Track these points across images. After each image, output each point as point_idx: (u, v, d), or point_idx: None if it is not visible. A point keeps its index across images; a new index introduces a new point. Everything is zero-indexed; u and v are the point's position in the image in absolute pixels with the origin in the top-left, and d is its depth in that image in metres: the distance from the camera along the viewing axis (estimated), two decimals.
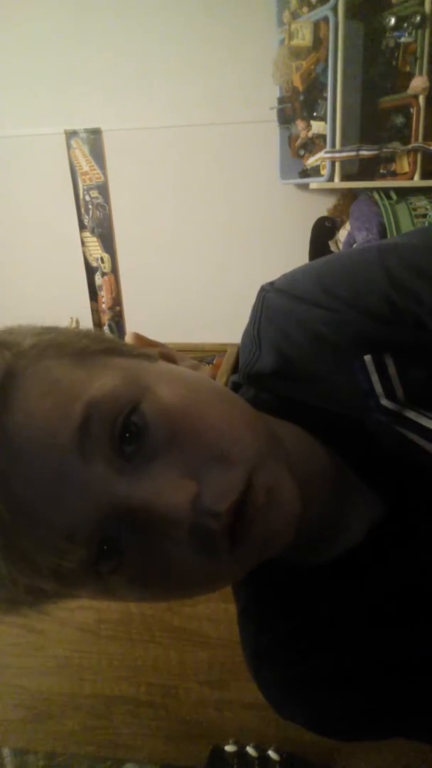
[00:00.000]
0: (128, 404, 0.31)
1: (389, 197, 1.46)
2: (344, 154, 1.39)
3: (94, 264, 1.96)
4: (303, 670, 0.43)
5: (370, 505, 0.42)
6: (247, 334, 0.49)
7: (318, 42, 1.36)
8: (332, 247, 1.66)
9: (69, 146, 1.80)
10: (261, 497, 0.32)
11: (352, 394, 0.42)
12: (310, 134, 1.47)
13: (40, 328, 0.36)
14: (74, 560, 0.31)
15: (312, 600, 0.43)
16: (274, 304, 0.46)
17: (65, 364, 0.33)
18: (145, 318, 2.00)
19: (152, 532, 0.31)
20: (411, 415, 0.41)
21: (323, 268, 0.46)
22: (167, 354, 0.42)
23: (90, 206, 1.87)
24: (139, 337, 0.43)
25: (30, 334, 0.35)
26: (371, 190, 1.50)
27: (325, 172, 1.42)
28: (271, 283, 0.47)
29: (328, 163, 1.40)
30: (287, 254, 1.77)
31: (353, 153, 1.38)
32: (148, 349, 0.41)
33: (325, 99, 1.37)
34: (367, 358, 0.42)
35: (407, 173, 1.39)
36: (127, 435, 0.31)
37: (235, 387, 0.49)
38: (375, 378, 0.42)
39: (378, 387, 0.42)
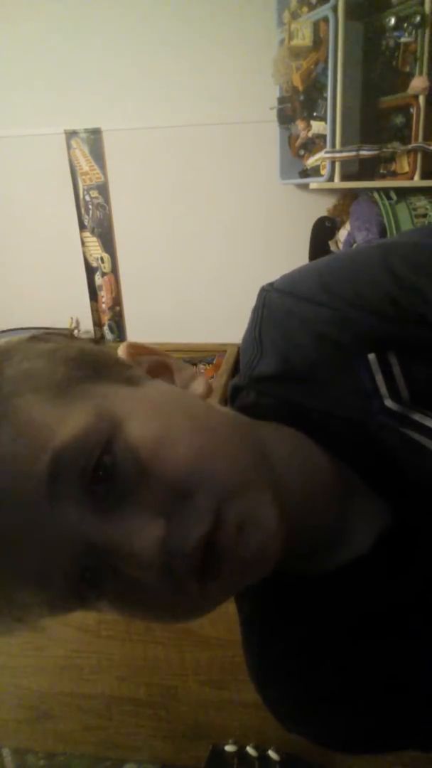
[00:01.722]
0: (98, 446, 0.31)
1: (389, 197, 1.46)
2: (344, 154, 1.38)
3: (94, 264, 1.96)
4: (309, 683, 0.42)
5: (378, 511, 0.41)
6: (247, 336, 0.48)
7: (318, 42, 1.36)
8: (332, 247, 1.66)
9: (69, 146, 1.80)
10: (229, 535, 0.32)
11: (355, 396, 0.41)
12: (310, 134, 1.47)
13: (25, 347, 0.36)
14: (56, 593, 0.32)
15: (317, 610, 0.42)
16: (276, 304, 0.45)
17: (40, 400, 0.33)
18: (145, 318, 2.00)
19: (127, 571, 0.32)
20: (416, 417, 0.41)
21: (324, 268, 0.45)
22: (162, 364, 0.41)
23: (90, 206, 1.87)
24: (131, 347, 0.42)
25: (11, 359, 0.35)
26: (371, 190, 1.50)
27: (325, 172, 1.42)
28: (272, 284, 0.47)
29: (328, 163, 1.40)
30: (287, 254, 1.77)
31: (353, 153, 1.38)
32: (136, 367, 0.40)
33: (325, 99, 1.37)
34: (371, 356, 0.41)
35: (407, 173, 1.39)
36: (100, 474, 0.31)
37: (236, 391, 0.49)
38: (379, 377, 0.41)
39: (382, 387, 0.41)
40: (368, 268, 0.43)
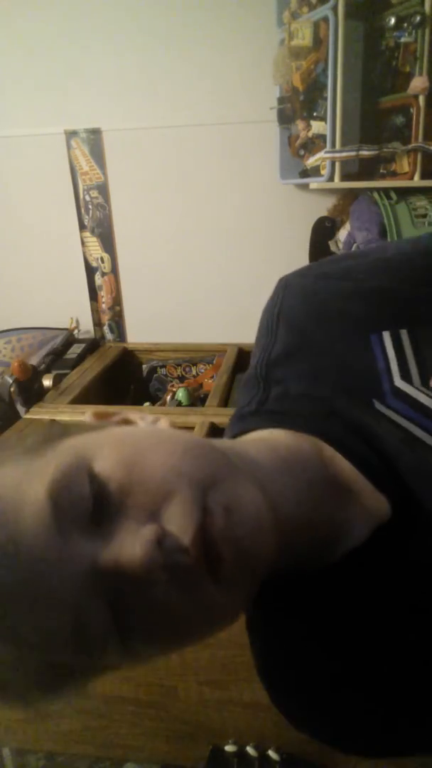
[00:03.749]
0: (85, 476, 0.33)
1: (389, 197, 1.46)
2: (344, 154, 1.39)
3: (94, 264, 1.96)
4: (314, 679, 0.42)
5: (376, 504, 0.41)
6: (263, 326, 0.49)
7: (318, 42, 1.36)
8: (332, 247, 1.66)
9: (69, 146, 1.80)
10: (220, 518, 0.33)
11: (365, 375, 0.42)
12: (310, 134, 1.47)
13: None
14: (90, 627, 0.32)
15: (317, 605, 0.42)
16: (297, 286, 0.47)
17: (21, 464, 0.35)
18: (145, 318, 2.00)
19: (138, 586, 0.32)
20: (424, 399, 0.41)
21: (335, 256, 0.48)
22: (126, 419, 0.44)
23: (90, 206, 1.87)
24: (96, 414, 0.45)
25: None
26: (371, 190, 1.50)
27: (325, 172, 1.42)
28: (290, 274, 0.49)
29: (328, 163, 1.40)
30: (287, 254, 1.77)
31: (353, 153, 1.38)
32: (103, 421, 0.43)
33: (325, 99, 1.37)
34: (386, 333, 0.42)
35: (407, 173, 1.39)
36: (93, 502, 0.33)
37: (245, 388, 0.50)
38: (392, 354, 0.42)
39: (394, 366, 0.42)
40: (383, 251, 0.44)
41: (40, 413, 1.38)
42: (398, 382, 0.42)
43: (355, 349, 0.44)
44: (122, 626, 0.33)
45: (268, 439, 0.44)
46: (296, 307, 0.47)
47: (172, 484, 0.34)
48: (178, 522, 0.33)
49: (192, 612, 0.34)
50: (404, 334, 0.43)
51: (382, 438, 0.41)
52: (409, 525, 0.40)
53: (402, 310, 0.45)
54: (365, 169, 1.47)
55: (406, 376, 0.42)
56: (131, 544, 0.32)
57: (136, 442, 0.37)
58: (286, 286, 0.49)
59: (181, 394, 1.63)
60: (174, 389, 1.71)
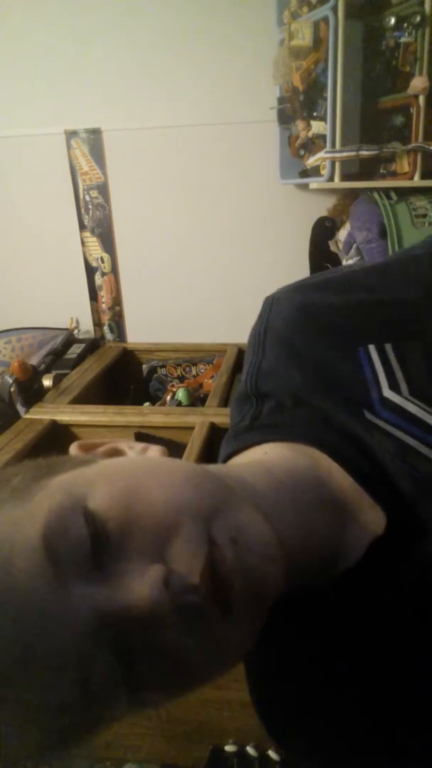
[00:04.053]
0: (79, 516, 0.31)
1: (389, 197, 1.46)
2: (344, 154, 1.38)
3: (94, 264, 1.96)
4: (306, 700, 0.40)
5: (373, 517, 0.40)
6: (252, 341, 0.49)
7: (318, 42, 1.36)
8: (332, 247, 1.66)
9: (69, 146, 1.80)
10: (227, 549, 0.32)
11: (354, 386, 0.42)
12: (310, 134, 1.47)
13: None
14: (97, 683, 0.30)
15: (317, 626, 0.40)
16: (284, 302, 0.47)
17: (7, 510, 0.33)
18: (145, 318, 2.00)
19: (146, 629, 0.30)
20: (413, 409, 0.41)
21: (325, 273, 0.49)
22: (114, 449, 0.43)
23: (90, 206, 1.87)
24: (81, 446, 0.43)
25: None
26: (371, 190, 1.50)
27: (325, 172, 1.42)
28: (275, 291, 0.49)
29: (328, 163, 1.40)
30: (287, 254, 1.77)
31: (353, 153, 1.38)
32: (90, 455, 0.41)
33: (325, 99, 1.37)
34: (371, 347, 0.42)
35: (407, 173, 1.39)
36: (91, 544, 0.31)
37: (237, 405, 0.49)
38: (379, 366, 0.42)
39: (382, 377, 0.42)
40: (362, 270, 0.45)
41: (40, 413, 1.38)
42: (387, 392, 0.42)
43: (343, 361, 0.44)
44: (131, 678, 0.31)
45: (263, 461, 0.43)
46: (283, 322, 0.47)
47: (174, 518, 0.32)
48: (185, 560, 0.31)
49: (205, 653, 0.32)
50: (389, 348, 0.43)
51: (375, 447, 0.40)
52: (405, 537, 0.38)
53: (387, 325, 0.45)
54: (365, 169, 1.47)
55: (394, 386, 0.42)
56: (137, 587, 0.30)
57: (131, 476, 0.36)
58: (272, 303, 0.49)
59: (181, 394, 1.63)
60: (174, 389, 1.71)
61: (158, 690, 0.33)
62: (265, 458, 0.44)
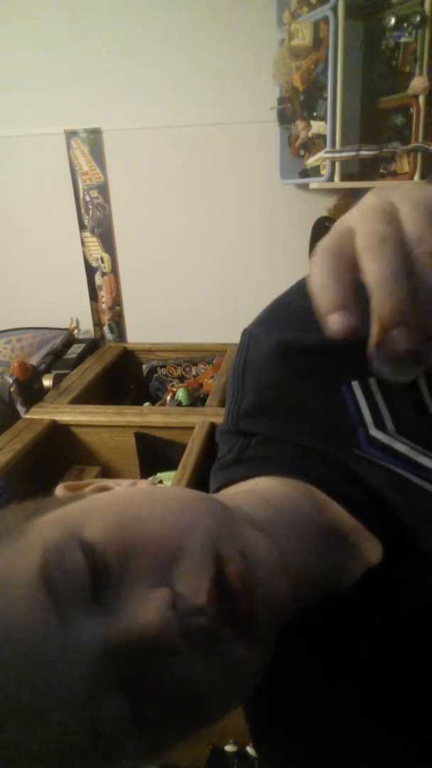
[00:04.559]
0: (75, 548, 0.30)
1: None
2: (344, 154, 1.38)
3: (94, 264, 1.96)
4: (299, 736, 0.39)
5: (370, 547, 0.39)
6: (231, 379, 0.48)
7: (318, 42, 1.36)
8: None
9: (69, 146, 1.80)
10: (238, 563, 0.31)
11: (341, 426, 0.41)
12: (310, 134, 1.47)
13: None
14: (106, 724, 0.28)
15: (304, 656, 0.39)
16: (261, 339, 0.45)
17: (3, 546, 0.32)
18: (145, 318, 2.00)
19: (155, 659, 0.29)
20: (401, 448, 0.40)
21: (296, 303, 0.45)
22: (101, 487, 0.42)
23: (90, 206, 1.87)
24: (68, 487, 0.43)
25: None
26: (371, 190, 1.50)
27: (325, 172, 1.42)
28: (254, 323, 0.47)
29: (328, 163, 1.40)
30: (287, 254, 1.77)
31: (353, 153, 1.38)
32: (77, 494, 0.40)
33: (325, 99, 1.37)
34: (355, 383, 0.41)
35: (407, 173, 1.39)
36: (91, 575, 0.30)
37: (223, 438, 0.48)
38: (363, 404, 0.41)
39: (367, 415, 0.41)
40: None
41: (40, 413, 1.38)
42: (373, 431, 0.40)
43: (326, 402, 0.42)
44: (143, 718, 0.29)
45: (255, 490, 0.42)
46: (261, 363, 0.45)
47: (176, 541, 0.31)
48: (191, 580, 0.30)
49: (219, 681, 0.30)
50: (373, 381, 0.41)
51: (369, 477, 0.39)
52: (402, 566, 0.37)
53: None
54: (365, 169, 1.47)
55: (380, 425, 0.40)
56: (142, 613, 0.28)
57: (126, 504, 0.34)
58: (249, 339, 0.47)
59: (181, 394, 1.63)
60: (174, 389, 1.71)
61: (172, 729, 0.31)
62: (257, 488, 0.42)
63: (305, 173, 1.58)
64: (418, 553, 0.36)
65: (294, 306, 0.47)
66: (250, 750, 1.34)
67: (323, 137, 1.41)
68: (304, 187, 1.66)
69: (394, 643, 0.36)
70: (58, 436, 1.36)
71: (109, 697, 0.28)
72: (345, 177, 1.44)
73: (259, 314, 0.49)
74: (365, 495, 0.39)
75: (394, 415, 0.41)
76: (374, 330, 0.27)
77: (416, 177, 1.38)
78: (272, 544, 0.34)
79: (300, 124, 1.49)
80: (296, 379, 0.43)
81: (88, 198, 1.86)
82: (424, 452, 0.40)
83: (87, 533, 0.31)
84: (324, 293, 0.27)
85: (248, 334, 0.48)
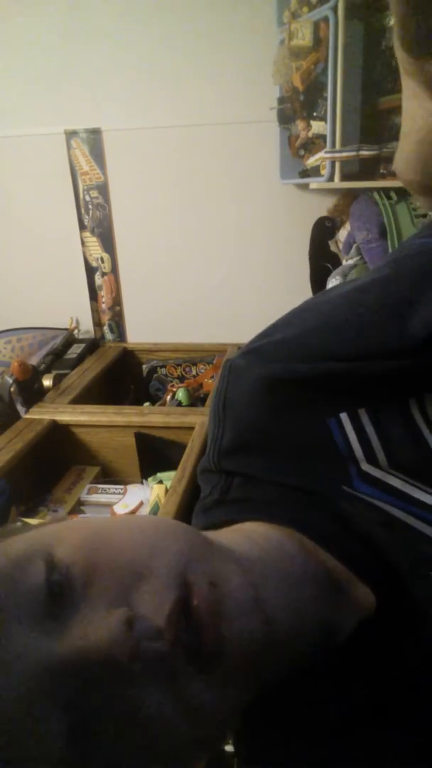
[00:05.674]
0: (37, 563, 0.29)
1: (389, 197, 1.46)
2: (344, 154, 1.38)
3: (94, 264, 1.96)
4: None
5: (363, 596, 0.36)
6: (212, 413, 0.45)
7: (318, 42, 1.36)
8: (332, 247, 1.66)
9: (69, 146, 1.80)
10: (204, 590, 0.29)
11: (328, 462, 0.38)
12: (310, 134, 1.47)
13: None
14: (42, 745, 0.26)
15: (299, 714, 0.36)
16: (243, 371, 0.43)
17: None
18: (145, 318, 2.00)
19: (107, 684, 0.26)
20: (395, 483, 0.37)
21: (290, 329, 0.43)
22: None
23: (90, 206, 1.87)
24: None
25: None
26: (371, 190, 1.50)
27: (325, 172, 1.42)
28: (237, 353, 0.45)
29: (328, 163, 1.40)
30: (287, 254, 1.77)
31: (353, 153, 1.38)
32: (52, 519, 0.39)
33: (325, 99, 1.37)
34: (343, 415, 0.38)
35: None
36: (54, 590, 0.29)
37: (205, 475, 0.45)
38: (353, 437, 0.38)
39: (358, 449, 0.38)
40: (333, 316, 0.40)
41: (40, 413, 1.38)
42: (365, 467, 0.38)
43: (312, 436, 0.39)
44: (83, 742, 0.26)
45: (241, 529, 0.39)
46: (242, 398, 0.43)
47: (144, 561, 0.30)
48: (151, 601, 0.28)
49: (176, 722, 0.27)
50: (363, 413, 0.39)
51: (360, 522, 0.37)
52: (397, 617, 0.35)
53: (358, 388, 0.39)
54: (365, 169, 1.47)
55: (372, 459, 0.38)
56: (96, 629, 0.27)
57: (102, 524, 0.33)
58: (229, 372, 0.44)
59: (181, 394, 1.63)
60: (174, 389, 1.71)
61: (118, 765, 0.28)
62: (243, 528, 0.40)
63: (305, 173, 1.58)
64: (412, 602, 0.34)
65: (277, 338, 0.44)
66: None
67: (323, 137, 1.41)
68: (304, 187, 1.66)
69: (392, 701, 0.34)
70: (58, 436, 1.37)
71: (47, 718, 0.26)
72: (345, 177, 1.44)
73: (245, 344, 0.46)
74: (356, 539, 0.37)
75: (387, 449, 0.38)
76: None
77: None
78: (248, 578, 0.31)
79: (300, 124, 1.49)
80: (279, 415, 0.41)
81: (88, 198, 1.86)
82: (422, 487, 0.37)
83: (58, 551, 0.30)
84: None
85: (228, 367, 0.45)
